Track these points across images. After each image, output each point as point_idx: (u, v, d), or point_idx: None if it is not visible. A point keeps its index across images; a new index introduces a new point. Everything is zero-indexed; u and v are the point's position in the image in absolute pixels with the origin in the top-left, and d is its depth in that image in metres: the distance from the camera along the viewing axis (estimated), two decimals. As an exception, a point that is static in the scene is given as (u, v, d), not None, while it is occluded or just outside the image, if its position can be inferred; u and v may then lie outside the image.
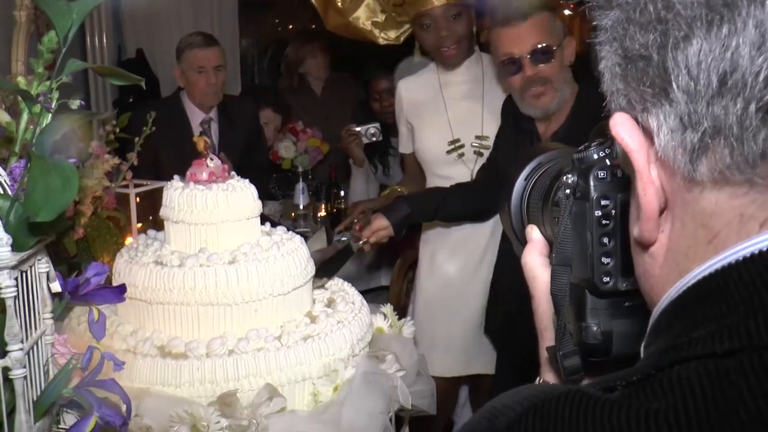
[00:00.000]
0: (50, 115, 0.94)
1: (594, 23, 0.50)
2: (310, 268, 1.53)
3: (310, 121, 3.81)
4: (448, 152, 2.38)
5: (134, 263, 1.42)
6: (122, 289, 1.06)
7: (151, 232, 1.58)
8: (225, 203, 1.45)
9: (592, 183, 0.61)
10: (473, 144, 2.36)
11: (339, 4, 2.48)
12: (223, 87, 3.05)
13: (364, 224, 2.18)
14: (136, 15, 4.14)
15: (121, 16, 4.35)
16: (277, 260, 1.43)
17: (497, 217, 2.19)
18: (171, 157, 2.75)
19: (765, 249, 0.43)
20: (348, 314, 1.50)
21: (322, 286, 1.66)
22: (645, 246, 0.51)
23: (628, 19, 0.47)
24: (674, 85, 0.44)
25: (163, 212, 1.49)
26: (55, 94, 0.95)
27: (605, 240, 0.61)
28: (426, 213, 2.23)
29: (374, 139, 3.20)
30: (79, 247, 1.74)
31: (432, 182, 2.45)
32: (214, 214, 1.44)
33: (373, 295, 2.97)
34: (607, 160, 0.61)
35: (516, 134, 2.10)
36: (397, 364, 1.47)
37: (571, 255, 0.63)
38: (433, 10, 2.29)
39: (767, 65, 0.41)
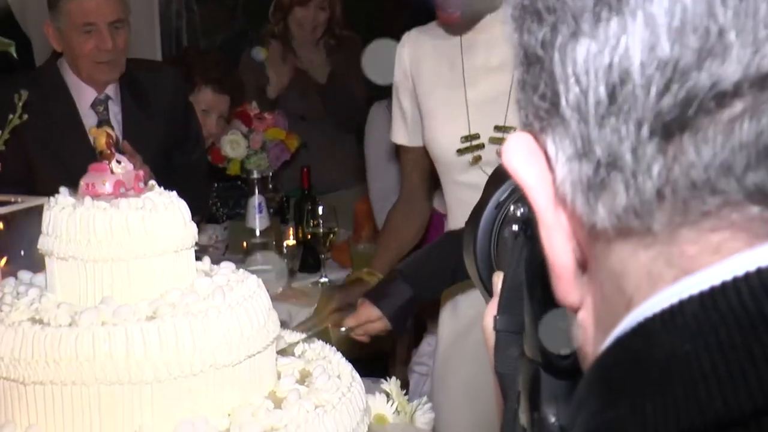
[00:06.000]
0: None
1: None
2: (273, 325, 1.52)
3: (279, 98, 3.83)
4: (459, 152, 2.30)
5: (-1, 323, 1.46)
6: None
7: (25, 275, 1.60)
8: (141, 229, 1.46)
9: None
10: (492, 139, 2.27)
11: None
12: (125, 52, 2.95)
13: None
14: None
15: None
16: (222, 314, 1.43)
17: None
18: (50, 159, 2.75)
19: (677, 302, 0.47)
20: (331, 394, 1.50)
21: (291, 352, 1.66)
22: (574, 313, 0.57)
23: (524, 6, 0.52)
24: (563, 99, 0.49)
25: (43, 244, 1.49)
26: None
27: None
28: (438, 288, 2.24)
29: None
30: None
31: (451, 192, 2.40)
32: (123, 245, 1.45)
33: (363, 364, 3.03)
34: None
35: None
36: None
37: (524, 318, 0.66)
38: None
39: (659, 74, 0.44)
